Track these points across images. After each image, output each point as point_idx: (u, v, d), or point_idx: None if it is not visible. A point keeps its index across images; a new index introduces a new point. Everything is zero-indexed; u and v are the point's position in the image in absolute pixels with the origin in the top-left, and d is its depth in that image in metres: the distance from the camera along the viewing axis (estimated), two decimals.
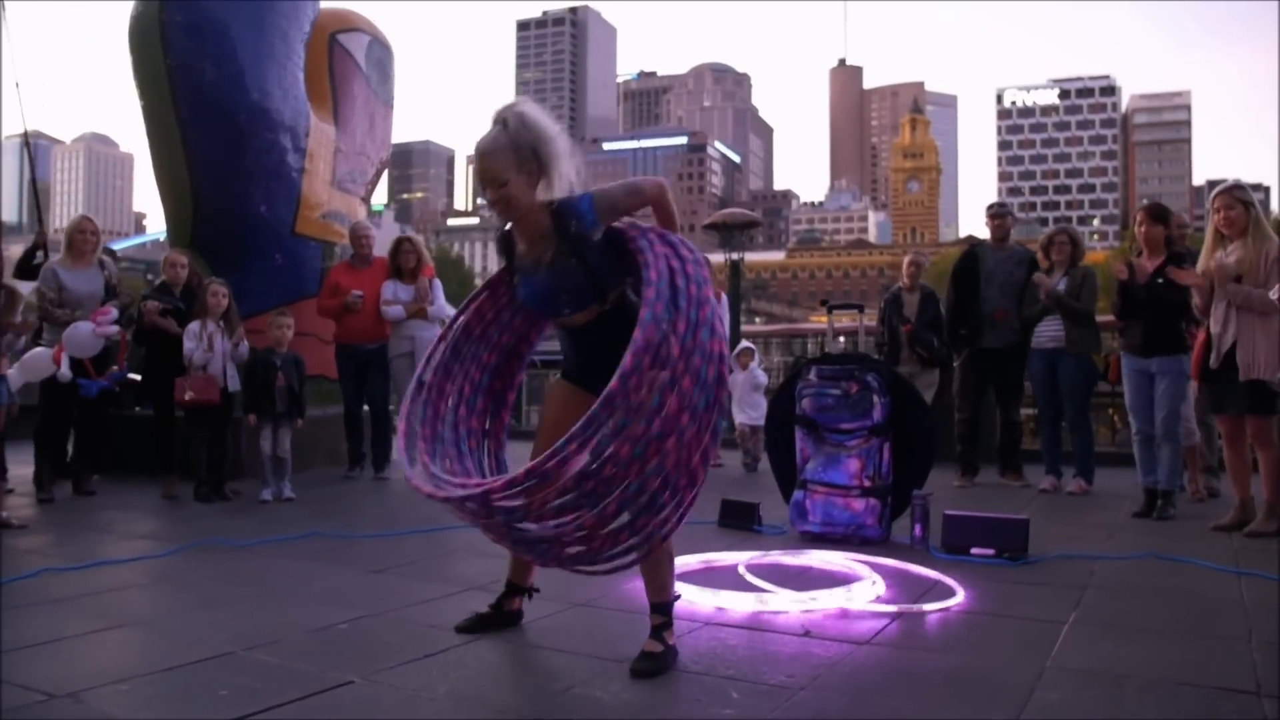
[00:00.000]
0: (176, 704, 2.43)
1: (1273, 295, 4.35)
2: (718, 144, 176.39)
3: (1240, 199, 4.78)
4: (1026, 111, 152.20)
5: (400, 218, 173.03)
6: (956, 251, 6.39)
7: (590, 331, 2.74)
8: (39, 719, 2.32)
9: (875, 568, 3.88)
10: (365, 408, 7.20)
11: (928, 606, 3.34)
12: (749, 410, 7.66)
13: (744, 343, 8.09)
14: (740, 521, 4.94)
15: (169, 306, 6.17)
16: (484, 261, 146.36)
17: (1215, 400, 4.94)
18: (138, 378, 6.69)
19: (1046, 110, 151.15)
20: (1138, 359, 5.33)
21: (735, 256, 15.29)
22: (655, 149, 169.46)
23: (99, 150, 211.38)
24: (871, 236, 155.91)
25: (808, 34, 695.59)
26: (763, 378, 7.87)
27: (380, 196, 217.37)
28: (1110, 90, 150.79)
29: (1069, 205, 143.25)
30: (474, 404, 2.93)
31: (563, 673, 2.70)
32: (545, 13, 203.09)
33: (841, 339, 20.40)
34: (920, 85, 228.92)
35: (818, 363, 4.76)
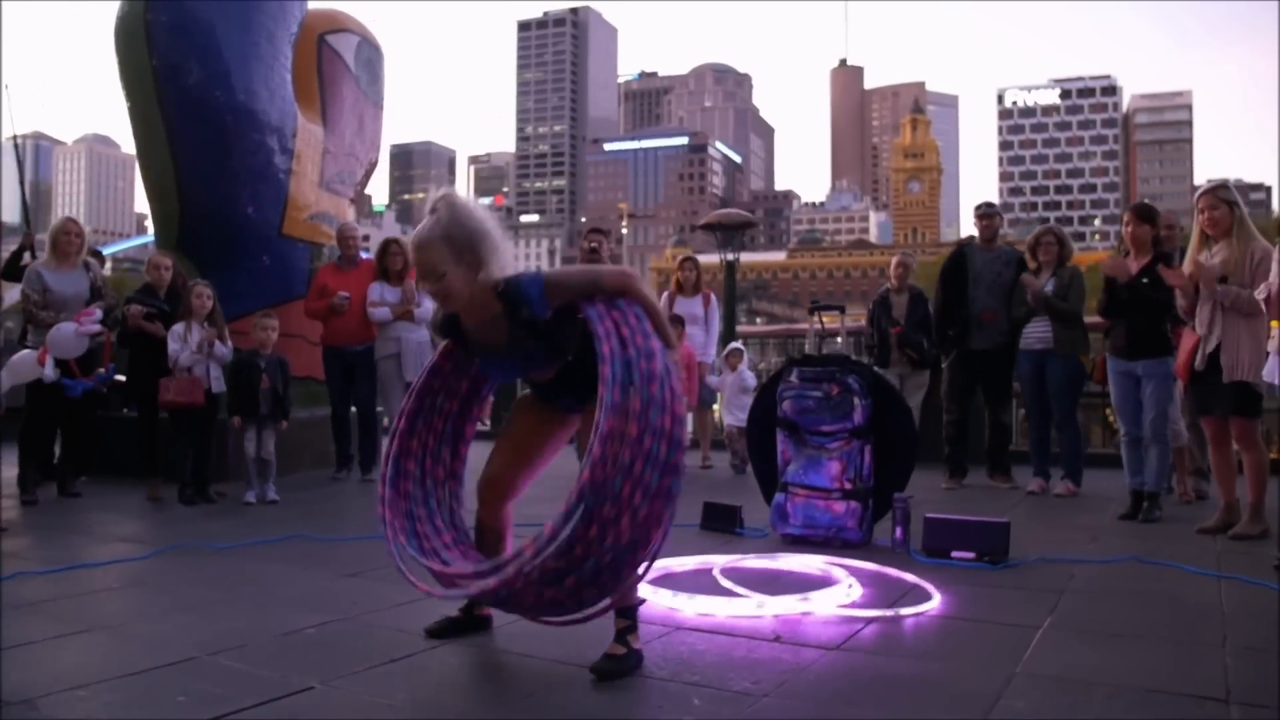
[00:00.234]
0: (133, 710, 2.40)
1: (1259, 295, 4.32)
2: (719, 144, 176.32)
3: (1224, 199, 4.75)
4: (1028, 111, 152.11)
5: (402, 218, 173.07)
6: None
7: (556, 377, 2.81)
8: None
9: (853, 571, 3.85)
10: (353, 409, 7.18)
11: (901, 611, 3.31)
12: (736, 412, 7.62)
13: (733, 344, 8.06)
14: (722, 524, 4.91)
15: (152, 310, 6.15)
16: None
17: (1200, 402, 4.91)
18: (124, 379, 6.67)
19: (1048, 110, 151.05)
20: (1122, 361, 5.30)
21: (731, 257, 15.28)
22: (656, 149, 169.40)
23: (100, 151, 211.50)
24: (873, 237, 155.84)
25: (809, 34, 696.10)
26: (751, 380, 7.84)
27: (382, 197, 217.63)
28: (1111, 90, 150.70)
29: (1070, 205, 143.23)
30: (439, 454, 3.04)
31: (526, 679, 2.68)
32: (546, 13, 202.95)
33: (839, 339, 20.43)
34: (921, 85, 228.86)
35: (799, 364, 4.73)
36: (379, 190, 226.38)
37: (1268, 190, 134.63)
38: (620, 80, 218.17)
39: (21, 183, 7.28)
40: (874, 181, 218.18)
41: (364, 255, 7.37)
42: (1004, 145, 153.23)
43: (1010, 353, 6.38)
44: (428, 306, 6.99)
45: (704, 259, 14.97)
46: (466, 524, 3.05)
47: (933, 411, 7.29)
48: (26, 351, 5.80)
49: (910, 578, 3.76)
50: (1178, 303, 4.86)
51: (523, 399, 3.00)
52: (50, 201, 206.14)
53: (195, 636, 3.02)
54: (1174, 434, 5.59)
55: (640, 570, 2.57)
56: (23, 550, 4.63)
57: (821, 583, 3.66)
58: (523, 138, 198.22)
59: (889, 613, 3.30)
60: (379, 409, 7.21)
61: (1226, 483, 4.92)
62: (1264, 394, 4.65)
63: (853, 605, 3.39)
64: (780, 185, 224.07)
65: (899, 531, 4.39)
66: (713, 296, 8.10)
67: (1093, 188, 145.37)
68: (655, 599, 3.43)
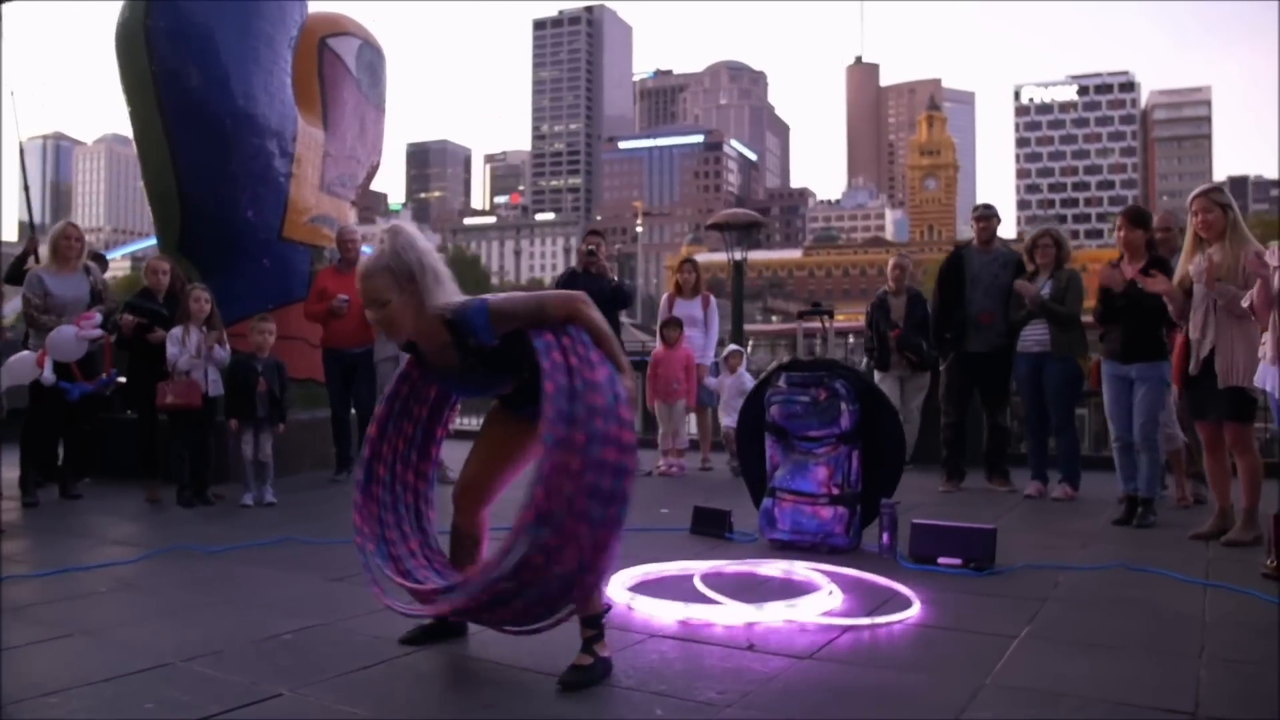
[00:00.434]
0: (100, 716, 2.43)
1: (1244, 303, 4.29)
2: (734, 142, 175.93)
3: (1218, 201, 4.71)
4: (1045, 108, 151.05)
5: (418, 217, 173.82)
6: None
7: (517, 390, 2.85)
8: None
9: (836, 578, 3.84)
10: (352, 411, 7.21)
11: (879, 619, 3.31)
12: (735, 415, 7.61)
13: (731, 346, 8.04)
14: (712, 529, 4.91)
15: (143, 320, 6.19)
16: (500, 260, 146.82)
17: (1195, 406, 4.86)
18: (124, 380, 6.72)
19: (1065, 107, 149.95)
20: (1117, 365, 5.27)
21: (739, 256, 15.27)
22: (671, 147, 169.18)
23: (120, 151, 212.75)
24: (889, 234, 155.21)
25: (823, 31, 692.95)
26: (750, 382, 7.79)
27: (398, 195, 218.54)
28: (1129, 86, 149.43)
29: (1088, 202, 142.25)
30: (408, 458, 3.11)
31: (491, 687, 2.69)
32: (561, 12, 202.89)
33: (851, 338, 20.34)
34: (937, 82, 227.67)
35: (787, 369, 4.72)
36: (395, 189, 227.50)
37: None
38: (635, 78, 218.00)
39: (25, 187, 7.33)
40: (890, 179, 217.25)
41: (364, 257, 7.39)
42: (1021, 142, 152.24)
43: (1008, 355, 6.34)
44: None
45: (719, 258, 15.00)
46: (434, 528, 3.09)
47: (933, 414, 7.26)
48: (25, 353, 5.85)
49: (893, 585, 3.75)
50: (1170, 308, 4.83)
51: (493, 409, 3.03)
52: (70, 201, 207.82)
53: (173, 642, 3.04)
54: (1168, 437, 5.55)
55: (591, 590, 2.64)
56: (19, 553, 4.68)
57: (803, 589, 3.65)
58: (538, 136, 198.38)
59: (866, 621, 3.29)
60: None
61: (1221, 488, 4.89)
62: (1258, 399, 4.61)
63: (831, 613, 3.39)
64: (796, 183, 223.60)
65: (886, 537, 4.38)
66: (712, 298, 8.08)
67: (1111, 184, 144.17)
68: (634, 605, 3.45)
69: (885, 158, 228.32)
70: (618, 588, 3.63)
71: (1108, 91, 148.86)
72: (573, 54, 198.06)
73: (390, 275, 2.65)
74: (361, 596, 3.65)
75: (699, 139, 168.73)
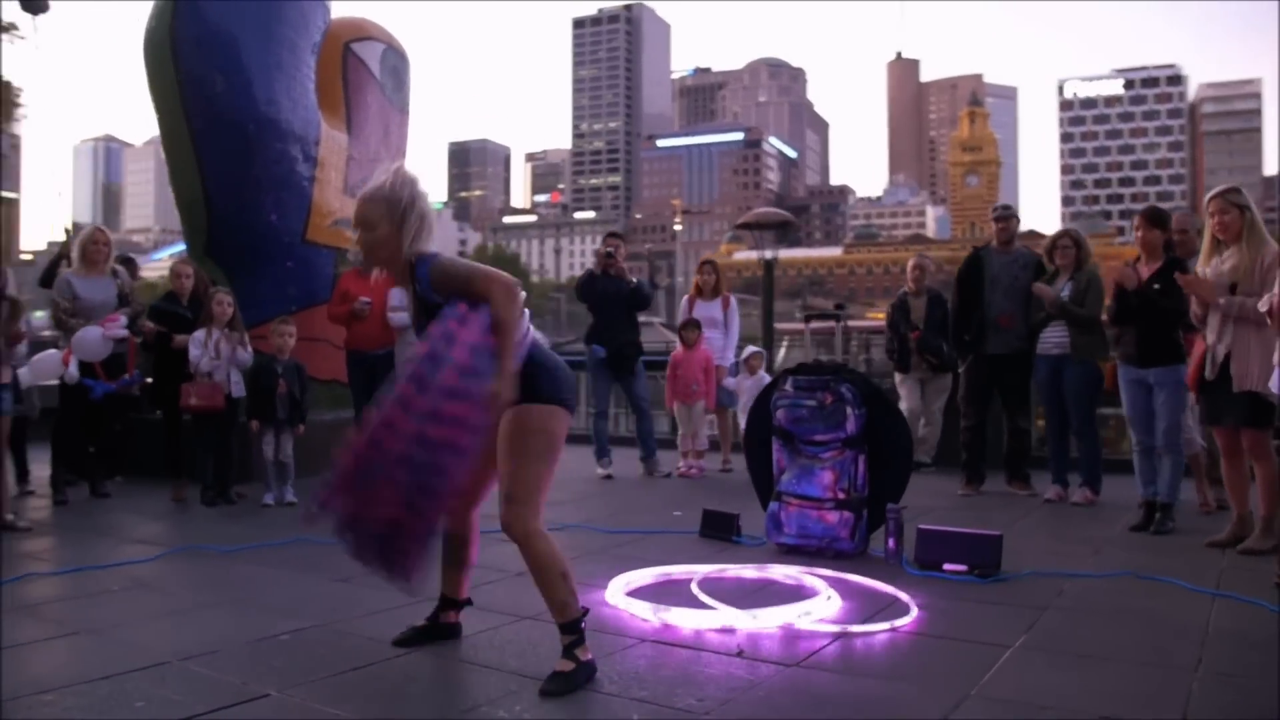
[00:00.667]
0: (92, 714, 2.49)
1: (1262, 306, 4.20)
2: (773, 139, 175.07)
3: (1235, 203, 4.62)
4: (1089, 103, 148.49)
5: (459, 215, 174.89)
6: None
7: None
8: None
9: (837, 583, 3.83)
10: None
11: (872, 627, 3.29)
12: None
13: (751, 347, 8.02)
14: (720, 532, 4.92)
15: (163, 330, 6.31)
16: (540, 259, 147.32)
17: (1212, 412, 4.78)
18: (150, 381, 6.87)
19: (1110, 101, 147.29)
20: (1133, 369, 5.18)
21: (769, 255, 15.22)
22: (710, 145, 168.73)
23: None
24: (930, 231, 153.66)
25: (863, 27, 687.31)
26: None
27: (439, 194, 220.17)
28: (1177, 79, 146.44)
29: (1134, 198, 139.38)
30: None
31: (476, 690, 2.72)
32: (601, 10, 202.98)
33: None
34: (979, 77, 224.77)
35: (794, 373, 4.70)
36: (437, 188, 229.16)
37: None
38: (674, 76, 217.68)
39: (50, 192, 7.50)
40: (931, 175, 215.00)
41: None
42: (1065, 137, 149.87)
43: (1028, 357, 6.26)
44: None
45: (769, 255, 14.97)
46: None
47: (954, 416, 7.19)
48: (51, 351, 6.02)
49: (893, 591, 3.73)
50: (1192, 310, 4.74)
51: None
52: (120, 202, 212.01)
53: (174, 641, 3.11)
54: (1187, 441, 5.45)
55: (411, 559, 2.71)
56: (42, 550, 4.81)
57: (801, 595, 3.65)
58: (578, 134, 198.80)
59: (859, 628, 3.28)
60: None
61: (1239, 495, 4.79)
62: (1276, 404, 4.52)
63: (826, 620, 3.38)
64: (836, 180, 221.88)
65: (891, 543, 4.35)
66: (733, 299, 8.07)
67: (1157, 180, 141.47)
68: (630, 609, 3.46)
69: (926, 154, 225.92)
70: (615, 591, 3.65)
71: (1154, 85, 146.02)
72: (612, 52, 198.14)
73: (386, 205, 2.80)
74: (362, 598, 3.72)
75: (738, 136, 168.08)
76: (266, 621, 3.36)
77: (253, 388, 6.18)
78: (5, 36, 18.21)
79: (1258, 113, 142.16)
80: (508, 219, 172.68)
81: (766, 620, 3.29)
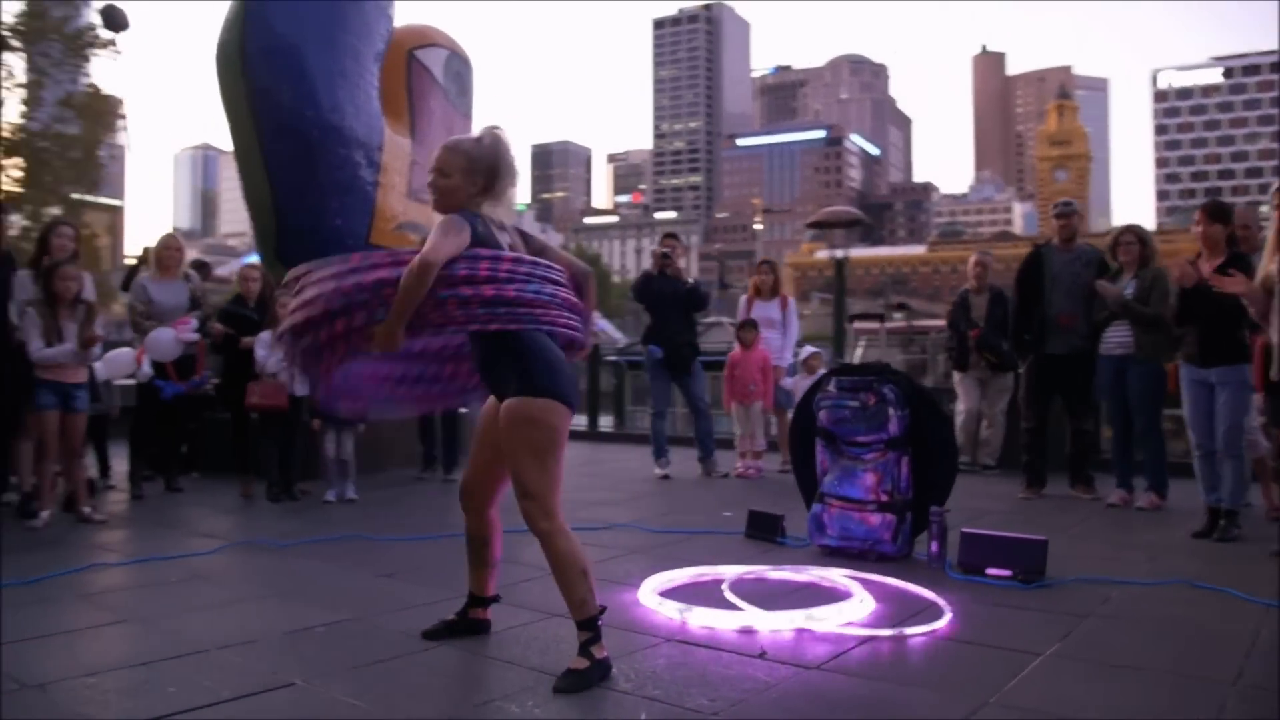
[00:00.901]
0: (126, 697, 2.62)
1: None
2: (855, 137, 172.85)
3: None
4: (1185, 93, 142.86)
5: (541, 217, 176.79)
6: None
7: (481, 370, 2.99)
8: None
9: (874, 586, 3.79)
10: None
11: (903, 631, 3.25)
12: None
13: (809, 347, 7.96)
14: (765, 533, 4.90)
15: (230, 331, 6.55)
16: (621, 259, 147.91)
17: (1277, 413, 4.59)
18: (218, 381, 7.14)
19: (1208, 90, 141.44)
20: (1195, 369, 5.00)
21: (840, 254, 15.09)
22: (792, 144, 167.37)
23: None
24: (1017, 228, 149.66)
25: (946, 21, 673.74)
26: None
27: (522, 196, 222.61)
28: None
29: (1234, 191, 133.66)
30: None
31: (493, 685, 2.77)
32: (681, 10, 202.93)
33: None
34: (1067, 69, 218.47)
35: (837, 374, 4.66)
36: (520, 189, 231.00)
37: None
38: (755, 75, 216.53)
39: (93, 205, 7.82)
40: (1019, 171, 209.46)
41: None
42: (1159, 129, 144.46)
43: (1090, 357, 6.08)
44: None
45: (839, 254, 14.89)
46: None
47: (1015, 418, 7.03)
48: (125, 349, 6.31)
49: (929, 595, 3.68)
50: (1250, 310, 4.56)
51: (486, 406, 3.08)
52: (216, 208, 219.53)
53: (216, 631, 3.24)
54: (1250, 444, 5.23)
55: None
56: (113, 542, 5.04)
57: (834, 597, 3.62)
58: (659, 135, 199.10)
59: (887, 632, 3.24)
60: (462, 410, 7.45)
61: None
62: None
63: (855, 623, 3.35)
64: (920, 177, 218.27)
65: (934, 546, 4.28)
66: (790, 300, 8.02)
67: (1259, 171, 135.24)
68: (660, 609, 3.48)
69: (1013, 149, 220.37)
70: (648, 591, 3.68)
71: (1255, 73, 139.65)
72: (692, 52, 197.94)
73: (467, 159, 2.92)
74: (402, 593, 3.81)
75: (820, 135, 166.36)
76: (306, 613, 3.47)
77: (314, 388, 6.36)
78: (105, 52, 19.06)
79: None
80: (589, 220, 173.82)
81: (792, 622, 3.27)
